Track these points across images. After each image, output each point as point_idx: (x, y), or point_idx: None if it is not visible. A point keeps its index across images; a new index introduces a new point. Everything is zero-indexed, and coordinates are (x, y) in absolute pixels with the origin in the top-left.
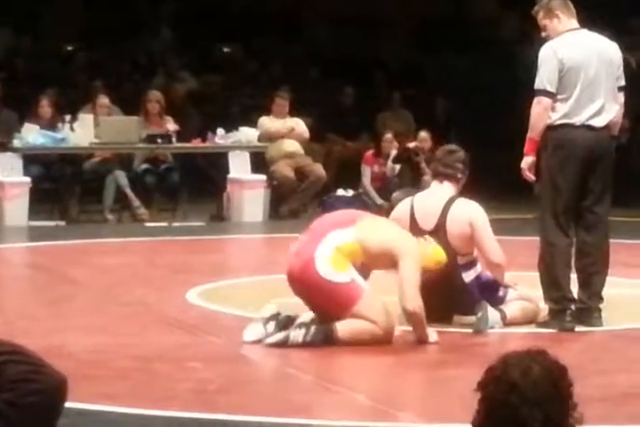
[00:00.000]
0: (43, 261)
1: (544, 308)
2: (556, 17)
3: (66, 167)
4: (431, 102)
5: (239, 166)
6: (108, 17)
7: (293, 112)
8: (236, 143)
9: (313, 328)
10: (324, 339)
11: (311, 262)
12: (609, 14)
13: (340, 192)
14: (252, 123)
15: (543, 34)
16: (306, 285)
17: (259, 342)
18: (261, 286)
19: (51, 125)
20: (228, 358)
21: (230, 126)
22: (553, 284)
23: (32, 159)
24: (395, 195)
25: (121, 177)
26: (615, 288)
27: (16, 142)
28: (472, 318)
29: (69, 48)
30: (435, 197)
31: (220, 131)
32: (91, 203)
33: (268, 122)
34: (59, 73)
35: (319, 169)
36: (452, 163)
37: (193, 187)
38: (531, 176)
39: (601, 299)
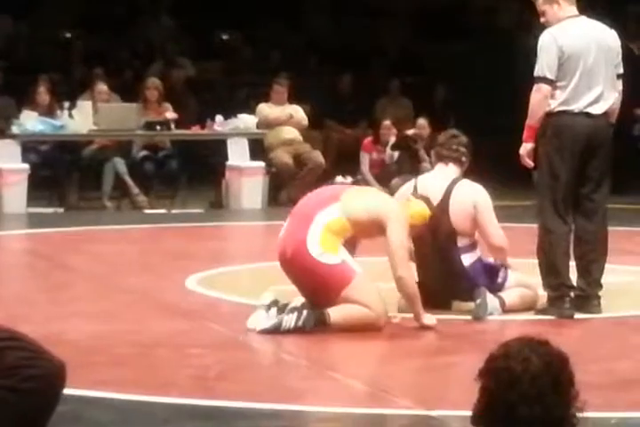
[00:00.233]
0: (41, 249)
1: (543, 295)
2: (556, 3)
3: (64, 154)
4: (430, 90)
5: (238, 153)
6: (107, 4)
7: (292, 99)
8: (235, 130)
9: (305, 313)
10: (315, 324)
11: (302, 245)
12: (609, 1)
13: (339, 179)
14: (251, 110)
15: (542, 19)
16: (298, 267)
17: (270, 330)
18: (260, 272)
19: (48, 112)
20: (227, 344)
21: (229, 113)
22: (552, 271)
23: (30, 146)
24: (393, 182)
25: (120, 164)
26: (614, 275)
27: (15, 129)
28: (471, 305)
29: (68, 35)
30: (439, 177)
31: (219, 118)
32: (89, 190)
33: (266, 109)
34: (57, 60)
35: (318, 156)
36: (456, 146)
37: (192, 174)
38: (529, 163)
39: (600, 286)
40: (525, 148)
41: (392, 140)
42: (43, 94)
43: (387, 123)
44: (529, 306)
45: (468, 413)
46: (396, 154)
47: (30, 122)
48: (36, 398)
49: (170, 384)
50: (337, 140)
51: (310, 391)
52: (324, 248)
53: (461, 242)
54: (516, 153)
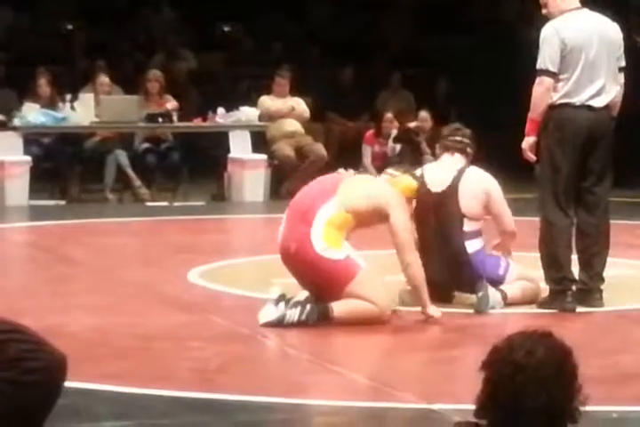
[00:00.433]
0: (43, 241)
1: (544, 288)
2: None
3: (66, 146)
4: (432, 82)
5: (240, 146)
6: None
7: (294, 91)
8: (237, 123)
9: (308, 307)
10: (319, 318)
11: (307, 241)
12: None
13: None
14: (253, 102)
15: (544, 11)
16: (302, 264)
17: (274, 323)
18: (262, 265)
19: (50, 104)
20: (229, 337)
21: (231, 106)
22: (554, 264)
23: (33, 138)
24: None
25: (121, 156)
26: (616, 269)
27: (16, 121)
28: (472, 297)
29: (69, 27)
30: (446, 165)
31: (221, 110)
32: (91, 182)
33: (268, 101)
34: (59, 52)
35: (320, 149)
36: (461, 138)
37: (194, 166)
38: (532, 156)
39: (602, 280)
40: (528, 141)
41: (394, 132)
42: (43, 86)
43: (388, 115)
44: (531, 299)
45: (471, 406)
46: (398, 147)
47: (32, 114)
48: (36, 391)
49: (170, 377)
50: (339, 132)
51: (312, 385)
52: (328, 243)
53: (468, 226)
54: (517, 146)
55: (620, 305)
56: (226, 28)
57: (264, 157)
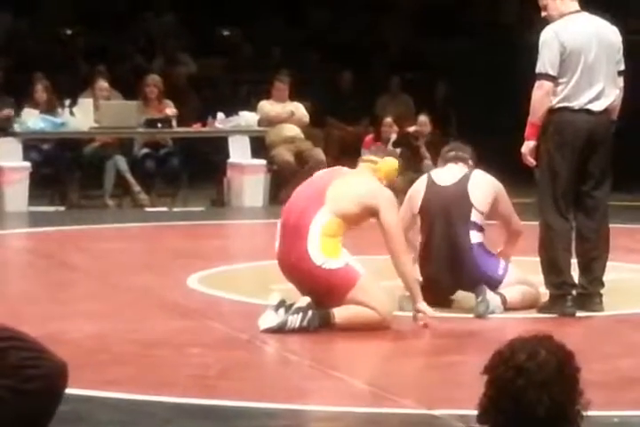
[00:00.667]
0: (42, 247)
1: (544, 293)
2: None
3: (66, 152)
4: (431, 86)
5: (239, 151)
6: (108, 0)
7: (293, 96)
8: (236, 128)
9: (310, 313)
10: (320, 324)
11: (305, 256)
12: None
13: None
14: (252, 107)
15: (543, 13)
16: (302, 276)
17: (275, 329)
18: (262, 271)
19: (48, 110)
20: (229, 343)
21: (230, 111)
22: (553, 269)
23: (32, 144)
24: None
25: (121, 162)
26: (616, 273)
27: (16, 127)
28: (472, 301)
29: (68, 32)
30: (452, 169)
31: (220, 115)
32: (91, 188)
33: (267, 106)
34: (58, 57)
35: (319, 153)
36: (462, 153)
37: (193, 171)
38: (531, 161)
39: (602, 284)
40: (528, 146)
41: (393, 137)
42: (40, 92)
43: (388, 120)
44: (530, 304)
45: (471, 412)
46: (398, 151)
47: (32, 120)
48: (37, 399)
49: (171, 383)
50: (338, 137)
51: (313, 391)
52: (326, 255)
53: (474, 217)
54: (517, 150)
55: (620, 310)
56: (225, 33)
57: (263, 162)
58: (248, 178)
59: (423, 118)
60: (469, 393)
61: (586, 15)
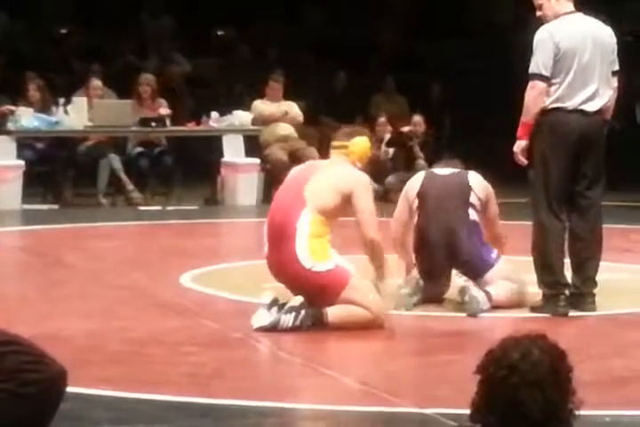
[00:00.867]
0: (36, 245)
1: (535, 292)
2: None
3: (60, 151)
4: (425, 87)
5: (233, 150)
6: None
7: (287, 96)
8: (230, 127)
9: (303, 312)
10: (313, 323)
11: (294, 260)
12: None
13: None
14: (246, 106)
15: (538, 13)
16: (293, 279)
17: (268, 328)
18: (255, 269)
19: (42, 109)
20: (222, 342)
21: (224, 110)
22: (546, 268)
23: (26, 143)
24: (388, 179)
25: (115, 160)
26: (609, 273)
27: (10, 125)
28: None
29: (63, 31)
30: (449, 168)
31: (214, 114)
32: (84, 186)
33: (261, 105)
34: (53, 56)
35: (313, 152)
36: (453, 164)
37: (187, 170)
38: (523, 160)
39: (594, 284)
40: (519, 145)
41: (387, 136)
42: (32, 91)
43: (382, 119)
44: (516, 300)
45: (464, 411)
46: (391, 151)
47: (26, 118)
48: (35, 403)
49: (164, 382)
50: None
51: (305, 389)
52: (315, 258)
53: (472, 199)
54: (511, 151)
55: (612, 309)
56: (220, 33)
57: (257, 161)
58: (242, 177)
59: (417, 118)
60: (462, 392)
61: (580, 15)
